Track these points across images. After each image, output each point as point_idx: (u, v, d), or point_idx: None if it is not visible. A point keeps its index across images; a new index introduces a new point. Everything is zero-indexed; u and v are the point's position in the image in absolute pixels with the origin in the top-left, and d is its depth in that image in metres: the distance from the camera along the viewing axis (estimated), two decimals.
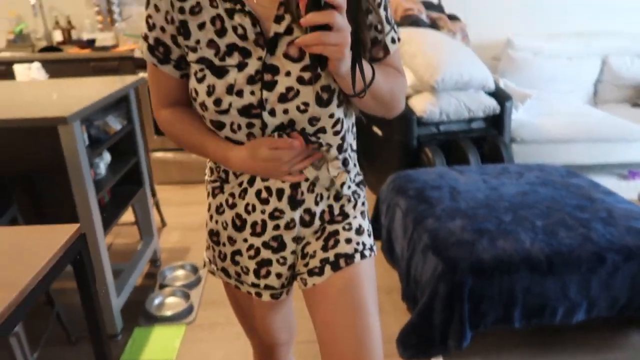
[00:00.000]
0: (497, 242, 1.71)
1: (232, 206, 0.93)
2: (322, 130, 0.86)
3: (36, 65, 2.59)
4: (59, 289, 1.94)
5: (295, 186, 0.90)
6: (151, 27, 0.84)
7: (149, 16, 0.83)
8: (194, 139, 0.89)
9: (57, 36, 3.59)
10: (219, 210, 0.95)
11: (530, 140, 3.05)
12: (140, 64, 3.17)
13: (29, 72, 2.59)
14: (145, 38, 0.85)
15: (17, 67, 2.61)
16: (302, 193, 0.90)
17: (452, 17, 3.16)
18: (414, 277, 1.86)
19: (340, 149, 0.90)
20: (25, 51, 3.42)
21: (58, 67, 3.17)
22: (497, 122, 2.81)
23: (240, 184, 0.91)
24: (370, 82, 0.78)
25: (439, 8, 3.28)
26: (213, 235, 0.98)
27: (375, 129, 2.86)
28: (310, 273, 0.93)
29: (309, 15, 0.68)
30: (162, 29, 0.83)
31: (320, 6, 0.67)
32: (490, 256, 1.65)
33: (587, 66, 3.48)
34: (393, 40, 0.88)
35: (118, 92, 1.87)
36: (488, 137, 2.76)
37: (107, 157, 1.95)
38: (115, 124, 1.93)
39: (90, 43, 3.33)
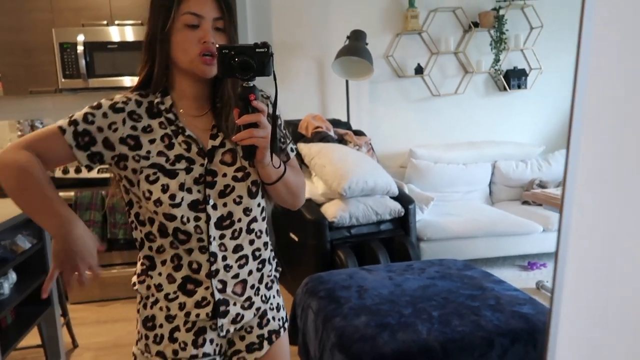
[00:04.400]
0: (397, 335, 1.81)
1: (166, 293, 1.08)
2: (255, 219, 1.11)
3: None
4: None
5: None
6: (87, 121, 1.00)
7: (90, 114, 1.01)
8: (46, 190, 0.97)
9: None
10: (158, 289, 1.08)
11: (436, 238, 3.30)
12: (60, 184, 3.22)
13: None
14: (74, 123, 1.00)
15: None
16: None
17: (358, 133, 3.53)
18: None
19: (266, 233, 1.17)
20: None
21: None
22: (403, 223, 3.05)
23: (168, 275, 1.07)
24: (282, 174, 1.06)
25: (347, 125, 3.67)
26: (148, 321, 1.09)
27: (292, 235, 3.01)
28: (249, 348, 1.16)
29: (243, 117, 0.95)
30: (99, 129, 1.01)
31: (249, 111, 0.95)
32: (390, 349, 1.75)
33: (481, 170, 3.92)
34: (292, 149, 1.19)
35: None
36: (396, 237, 2.98)
37: (12, 276, 1.93)
38: (24, 243, 1.95)
39: None
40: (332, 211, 2.83)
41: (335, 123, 3.58)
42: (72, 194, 3.20)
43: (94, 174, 3.24)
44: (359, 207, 2.87)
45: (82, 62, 3.28)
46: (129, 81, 3.41)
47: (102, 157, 1.03)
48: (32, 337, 2.40)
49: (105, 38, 3.33)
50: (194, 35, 1.00)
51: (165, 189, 1.01)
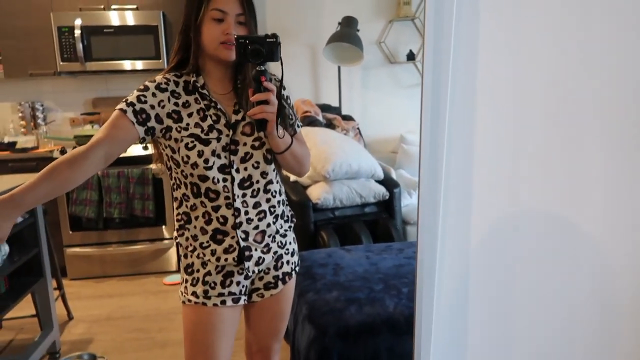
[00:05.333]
0: (364, 308, 1.91)
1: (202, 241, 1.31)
2: (270, 182, 1.33)
3: None
4: None
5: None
6: (142, 102, 1.21)
7: (142, 95, 1.22)
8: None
9: None
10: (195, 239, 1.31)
11: None
12: None
13: None
14: (131, 104, 1.20)
15: None
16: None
17: (346, 118, 3.61)
18: (297, 348, 2.00)
19: (280, 193, 1.39)
20: None
21: None
22: (388, 207, 3.13)
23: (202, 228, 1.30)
24: (290, 145, 1.27)
25: (337, 110, 3.74)
26: (188, 268, 1.34)
27: None
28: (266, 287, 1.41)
29: (255, 95, 1.17)
30: (152, 106, 1.22)
31: (261, 90, 1.17)
32: (356, 321, 1.85)
33: None
34: (298, 126, 1.40)
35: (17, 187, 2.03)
36: (380, 220, 3.06)
37: (5, 248, 2.05)
38: None
39: (10, 145, 3.49)
40: (316, 193, 2.92)
41: (326, 108, 3.65)
42: None
43: None
44: (342, 189, 2.95)
45: (80, 46, 3.37)
46: (128, 65, 3.51)
47: (154, 131, 1.23)
48: (29, 308, 2.54)
49: (103, 22, 3.42)
50: (219, 28, 1.21)
51: (200, 154, 1.22)
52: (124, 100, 1.23)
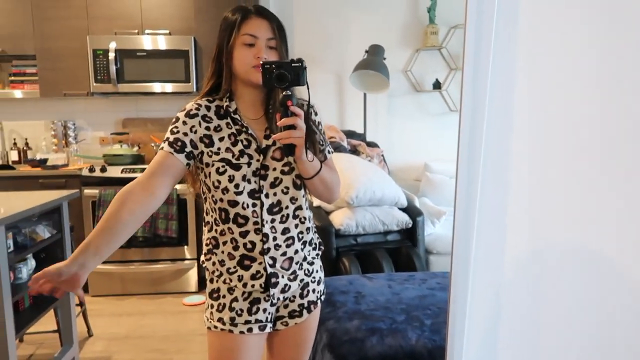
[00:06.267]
0: (386, 339, 1.87)
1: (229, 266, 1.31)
2: (299, 207, 1.32)
3: None
4: None
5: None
6: (174, 133, 1.24)
7: (174, 127, 1.25)
8: (92, 233, 1.14)
9: (14, 156, 3.85)
10: (222, 264, 1.30)
11: (446, 252, 3.31)
12: (86, 182, 3.41)
13: None
14: (166, 139, 1.24)
15: None
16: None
17: (371, 144, 3.61)
18: None
19: (309, 220, 1.37)
20: None
21: (9, 183, 3.38)
22: (411, 235, 3.09)
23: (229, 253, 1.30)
24: (319, 170, 1.26)
25: (362, 137, 3.74)
26: (213, 293, 1.33)
27: None
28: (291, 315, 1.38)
29: (282, 119, 1.16)
30: (184, 134, 1.24)
31: (288, 115, 1.16)
32: (377, 352, 1.80)
33: None
34: (329, 152, 1.39)
35: (47, 203, 2.07)
36: (403, 249, 3.02)
37: (31, 263, 2.08)
38: (43, 232, 2.10)
39: (42, 162, 3.58)
40: (339, 219, 2.91)
41: (351, 134, 3.66)
42: (97, 191, 3.38)
43: (117, 174, 3.43)
44: (365, 216, 2.93)
45: (113, 68, 3.48)
46: (158, 87, 3.59)
47: (194, 155, 1.25)
48: (49, 323, 2.56)
49: (136, 46, 3.53)
50: (250, 52, 1.23)
51: (231, 179, 1.23)
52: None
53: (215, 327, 1.31)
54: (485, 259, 0.91)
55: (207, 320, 1.35)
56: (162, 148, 1.25)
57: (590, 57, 0.85)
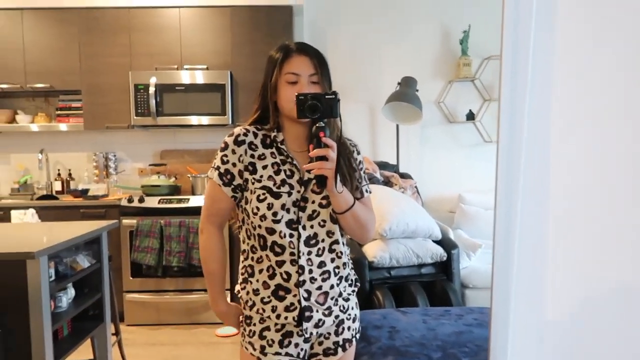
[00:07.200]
0: None
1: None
2: (336, 242, 1.32)
3: (31, 211, 2.89)
4: None
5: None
6: (225, 162, 1.29)
7: (224, 155, 1.29)
8: (210, 282, 1.37)
9: (57, 186, 4.00)
10: (255, 293, 1.33)
11: (482, 286, 3.22)
12: (124, 212, 3.51)
13: (24, 217, 2.88)
14: (217, 168, 1.30)
15: (13, 212, 2.92)
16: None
17: (404, 176, 3.59)
18: None
19: (346, 255, 1.36)
20: (25, 199, 3.80)
21: (52, 213, 3.50)
22: (446, 268, 3.02)
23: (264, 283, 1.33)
24: (351, 206, 1.25)
25: (395, 168, 3.73)
26: (246, 319, 1.36)
27: None
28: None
29: (314, 150, 1.17)
30: (233, 164, 1.29)
31: (321, 146, 1.17)
32: None
33: None
34: (367, 190, 1.38)
35: (88, 233, 2.14)
36: (437, 282, 2.95)
37: (71, 292, 2.14)
38: (83, 261, 2.16)
39: (84, 192, 3.71)
40: (372, 251, 2.87)
41: (384, 166, 3.66)
42: (134, 221, 3.46)
43: (154, 204, 3.51)
44: (399, 248, 2.89)
45: (153, 102, 3.61)
46: (195, 120, 3.70)
47: (240, 186, 1.30)
48: (86, 352, 2.60)
49: (175, 80, 3.67)
50: (293, 89, 1.26)
51: (270, 207, 1.25)
52: (212, 164, 1.32)
53: (247, 348, 1.34)
54: (526, 297, 0.88)
55: (241, 345, 1.38)
56: (211, 178, 1.31)
57: (633, 89, 0.83)
